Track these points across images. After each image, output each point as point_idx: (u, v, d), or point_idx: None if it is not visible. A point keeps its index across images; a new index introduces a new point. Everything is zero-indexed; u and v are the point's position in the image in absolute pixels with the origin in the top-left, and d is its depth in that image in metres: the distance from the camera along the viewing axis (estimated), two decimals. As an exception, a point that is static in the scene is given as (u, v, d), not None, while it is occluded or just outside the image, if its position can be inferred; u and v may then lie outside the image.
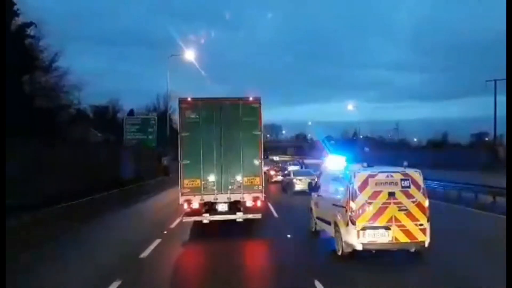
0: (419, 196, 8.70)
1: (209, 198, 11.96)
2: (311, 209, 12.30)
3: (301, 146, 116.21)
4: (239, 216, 12.01)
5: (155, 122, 38.29)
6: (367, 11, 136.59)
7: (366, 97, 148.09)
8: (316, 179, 19.26)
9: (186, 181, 11.92)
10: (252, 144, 12.13)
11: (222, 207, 12.11)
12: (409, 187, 8.70)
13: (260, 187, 12.13)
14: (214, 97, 13.13)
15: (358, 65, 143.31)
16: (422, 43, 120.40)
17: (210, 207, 12.11)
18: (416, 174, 8.88)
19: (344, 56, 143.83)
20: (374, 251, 8.73)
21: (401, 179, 8.73)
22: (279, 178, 31.45)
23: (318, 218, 11.46)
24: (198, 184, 11.89)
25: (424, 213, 8.63)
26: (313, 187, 12.51)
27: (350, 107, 59.68)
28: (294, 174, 25.13)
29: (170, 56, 35.91)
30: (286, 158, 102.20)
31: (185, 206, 11.91)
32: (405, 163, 9.32)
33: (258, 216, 12.06)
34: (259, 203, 12.03)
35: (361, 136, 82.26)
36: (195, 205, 11.89)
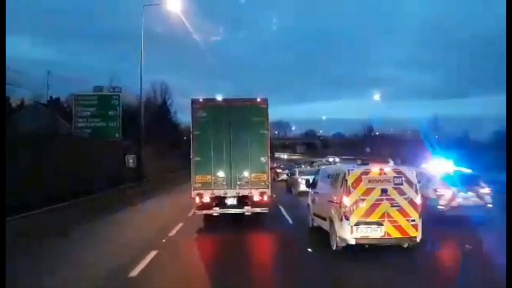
0: (411, 193, 8.94)
1: (219, 192, 12.72)
2: (308, 205, 12.60)
3: (313, 143, 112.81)
4: (247, 210, 12.80)
5: (119, 103, 26.94)
6: (375, 9, 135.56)
7: (373, 95, 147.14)
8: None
9: (197, 177, 12.72)
10: (259, 143, 12.89)
11: (231, 201, 12.85)
12: (401, 184, 8.96)
13: (267, 183, 12.84)
14: (224, 98, 13.91)
15: (366, 63, 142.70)
16: (430, 41, 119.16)
17: (220, 201, 12.84)
18: (409, 172, 9.15)
19: (351, 54, 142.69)
20: (367, 246, 9.00)
21: (394, 176, 8.99)
22: (284, 177, 31.49)
23: (314, 214, 11.75)
24: (209, 179, 12.69)
25: (416, 210, 8.87)
26: (311, 184, 12.77)
27: (376, 97, 55.11)
28: (299, 174, 24.85)
29: (144, 6, 27.15)
30: (295, 156, 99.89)
31: (197, 200, 12.69)
32: (399, 161, 9.58)
33: (265, 210, 12.86)
34: (266, 198, 12.76)
35: (377, 133, 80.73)
36: (206, 199, 12.66)
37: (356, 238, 8.75)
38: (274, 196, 16.94)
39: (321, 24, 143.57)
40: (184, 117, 65.78)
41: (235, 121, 12.85)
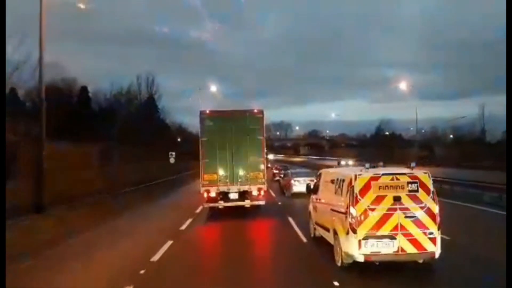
0: (428, 201, 7.71)
1: (223, 188, 14.97)
2: (309, 213, 11.38)
3: (319, 144, 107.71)
4: (247, 203, 15.11)
5: None
6: (377, 9, 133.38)
7: (376, 96, 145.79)
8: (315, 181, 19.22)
9: (205, 176, 14.94)
10: (256, 146, 15.08)
11: (234, 196, 15.11)
12: (417, 191, 7.72)
13: (263, 180, 15.12)
14: (227, 109, 16.29)
15: (368, 64, 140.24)
16: (432, 41, 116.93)
17: (224, 196, 15.11)
18: (425, 176, 7.90)
19: (354, 54, 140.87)
20: (377, 263, 7.75)
21: (408, 182, 7.75)
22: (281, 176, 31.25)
23: (317, 223, 10.52)
24: (215, 177, 14.89)
25: (434, 220, 7.64)
26: (312, 189, 11.54)
27: (403, 85, 44.21)
28: (292, 175, 24.23)
29: None
30: (299, 158, 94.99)
31: (205, 195, 15.00)
32: (413, 164, 8.34)
33: (262, 203, 15.27)
34: (262, 193, 15.10)
35: (386, 133, 77.86)
36: (213, 194, 14.95)
37: (364, 255, 7.53)
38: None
39: (323, 24, 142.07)
40: (180, 120, 63.33)
41: (236, 128, 15.02)
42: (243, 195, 15.09)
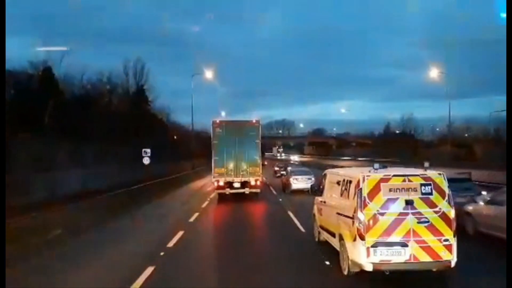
0: (443, 205, 7.06)
1: (229, 179, 19.73)
2: (314, 215, 10.74)
3: (326, 143, 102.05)
4: (246, 190, 19.75)
5: None
6: (378, 9, 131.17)
7: (377, 95, 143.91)
8: (313, 179, 22.89)
9: (216, 169, 19.76)
10: (254, 148, 19.93)
11: (237, 185, 19.80)
12: (431, 193, 7.08)
13: (260, 173, 20.14)
14: (233, 120, 21.95)
15: (371, 63, 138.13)
16: (433, 41, 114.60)
17: (229, 185, 19.80)
18: (439, 178, 7.25)
19: (355, 54, 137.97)
20: (387, 273, 7.11)
21: (421, 184, 7.10)
22: (283, 172, 32.79)
23: (321, 227, 9.88)
24: (223, 171, 19.67)
25: (450, 226, 7.00)
26: (316, 190, 10.89)
27: (433, 74, 39.06)
28: (291, 173, 25.24)
29: None
30: (305, 158, 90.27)
31: (215, 184, 19.98)
32: (426, 164, 7.68)
33: (258, 190, 20.19)
34: (258, 183, 19.94)
35: (397, 131, 74.86)
36: (221, 183, 19.79)
37: (373, 263, 6.90)
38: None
39: (326, 25, 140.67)
40: (177, 118, 60.71)
41: (239, 134, 19.65)
42: (244, 184, 19.69)
